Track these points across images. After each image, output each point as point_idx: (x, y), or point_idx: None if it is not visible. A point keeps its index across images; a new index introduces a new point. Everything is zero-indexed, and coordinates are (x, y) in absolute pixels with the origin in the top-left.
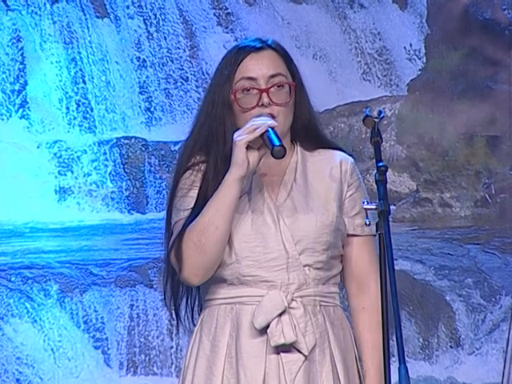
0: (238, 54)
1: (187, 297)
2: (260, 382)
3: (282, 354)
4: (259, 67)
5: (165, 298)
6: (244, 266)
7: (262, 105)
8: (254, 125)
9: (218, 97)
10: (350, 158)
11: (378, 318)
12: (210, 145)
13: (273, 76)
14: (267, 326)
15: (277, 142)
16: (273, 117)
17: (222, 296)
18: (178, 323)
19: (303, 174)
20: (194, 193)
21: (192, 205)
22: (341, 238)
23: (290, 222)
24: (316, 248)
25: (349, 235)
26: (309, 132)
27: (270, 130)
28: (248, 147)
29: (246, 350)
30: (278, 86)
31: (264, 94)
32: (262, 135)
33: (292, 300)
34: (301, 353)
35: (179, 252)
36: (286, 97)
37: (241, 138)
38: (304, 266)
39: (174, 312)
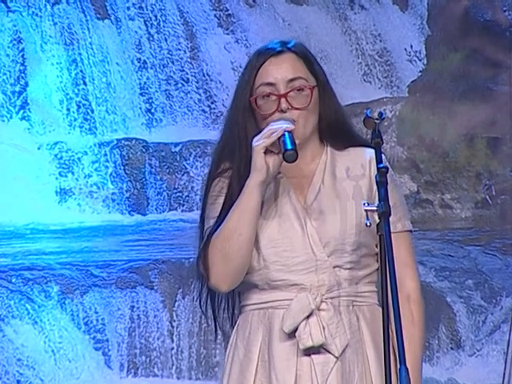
0: (258, 59)
1: (227, 301)
2: None
3: (313, 356)
4: (278, 72)
5: (200, 305)
6: (273, 270)
7: (281, 110)
8: (271, 129)
9: (240, 102)
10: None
11: (419, 312)
12: (234, 151)
13: (292, 80)
14: (296, 329)
15: (289, 146)
16: (293, 121)
17: (254, 301)
18: (216, 329)
19: (332, 174)
20: (222, 200)
21: (219, 212)
22: (372, 236)
23: (317, 224)
24: (345, 249)
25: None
26: (337, 131)
27: (286, 133)
28: (267, 152)
29: (278, 353)
30: (298, 90)
31: (282, 100)
32: (278, 139)
33: (322, 302)
34: (332, 354)
35: (205, 260)
36: (305, 100)
37: (258, 143)
38: (334, 268)
39: (212, 318)
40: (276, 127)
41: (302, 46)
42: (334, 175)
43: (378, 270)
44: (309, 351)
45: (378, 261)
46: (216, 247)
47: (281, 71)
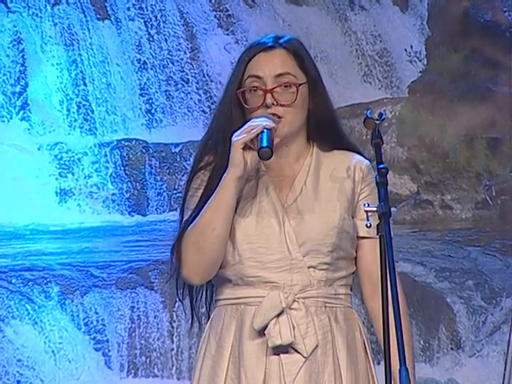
0: (248, 53)
1: (205, 293)
2: (260, 383)
3: (281, 355)
4: (267, 66)
5: (177, 294)
6: (247, 266)
7: (266, 105)
8: (252, 125)
9: (227, 95)
10: (366, 160)
11: (404, 307)
12: (217, 144)
13: (280, 75)
14: (266, 327)
15: (264, 144)
16: (278, 117)
17: (227, 296)
18: (192, 321)
19: (315, 176)
20: (201, 192)
21: (196, 204)
22: (349, 239)
23: (295, 223)
24: (321, 250)
25: (363, 237)
26: (325, 131)
27: (265, 130)
28: (246, 147)
29: (247, 350)
30: (285, 86)
31: (268, 95)
32: (257, 135)
33: (294, 301)
34: (300, 354)
35: (179, 251)
36: (292, 97)
37: (237, 138)
38: (308, 268)
39: (191, 310)
40: (256, 123)
41: (296, 41)
42: (318, 177)
43: (354, 273)
44: (278, 350)
45: (355, 264)
46: (190, 240)
47: (270, 66)
